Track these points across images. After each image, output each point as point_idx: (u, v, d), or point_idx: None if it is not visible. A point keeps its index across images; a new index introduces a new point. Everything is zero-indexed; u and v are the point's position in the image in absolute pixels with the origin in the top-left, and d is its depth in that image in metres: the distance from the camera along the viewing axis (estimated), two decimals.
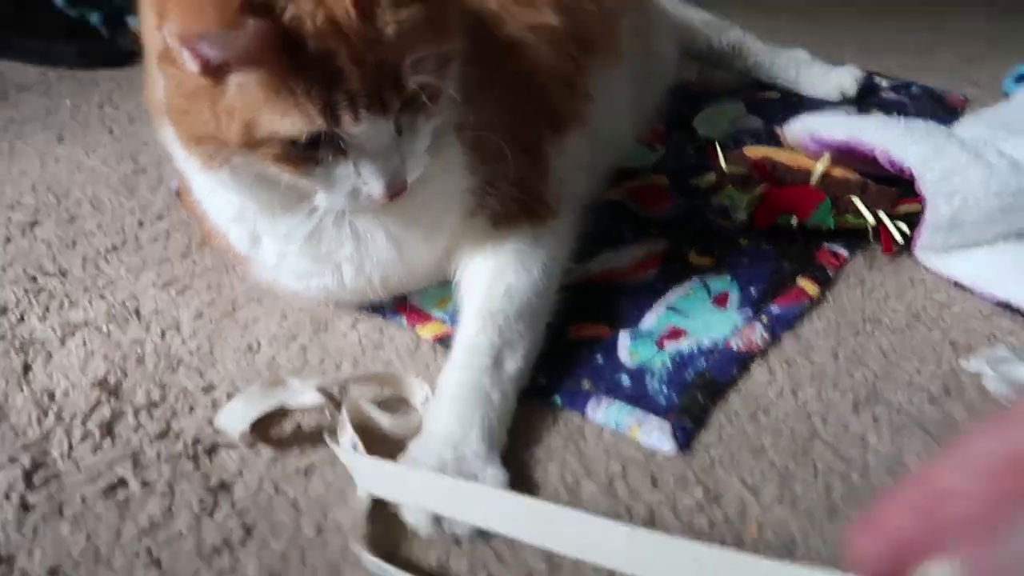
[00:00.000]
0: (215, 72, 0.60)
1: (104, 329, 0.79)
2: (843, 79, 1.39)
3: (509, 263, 0.80)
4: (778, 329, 0.85)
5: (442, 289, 0.87)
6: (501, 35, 0.88)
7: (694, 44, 1.38)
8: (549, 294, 0.81)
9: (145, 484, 0.63)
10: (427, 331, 0.82)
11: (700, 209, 1.06)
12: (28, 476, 0.63)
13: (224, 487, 0.64)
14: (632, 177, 1.13)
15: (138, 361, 0.75)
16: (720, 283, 0.92)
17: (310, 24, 0.59)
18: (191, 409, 0.70)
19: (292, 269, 0.78)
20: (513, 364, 0.73)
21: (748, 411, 0.75)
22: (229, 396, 0.72)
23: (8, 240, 0.91)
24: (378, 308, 0.84)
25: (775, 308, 0.87)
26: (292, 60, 0.59)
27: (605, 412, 0.73)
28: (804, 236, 0.99)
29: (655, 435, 0.70)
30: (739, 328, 0.84)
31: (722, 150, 1.07)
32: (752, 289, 0.90)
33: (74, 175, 1.03)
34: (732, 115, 1.34)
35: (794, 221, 0.98)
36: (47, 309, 0.81)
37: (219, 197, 0.76)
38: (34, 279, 0.85)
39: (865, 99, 1.42)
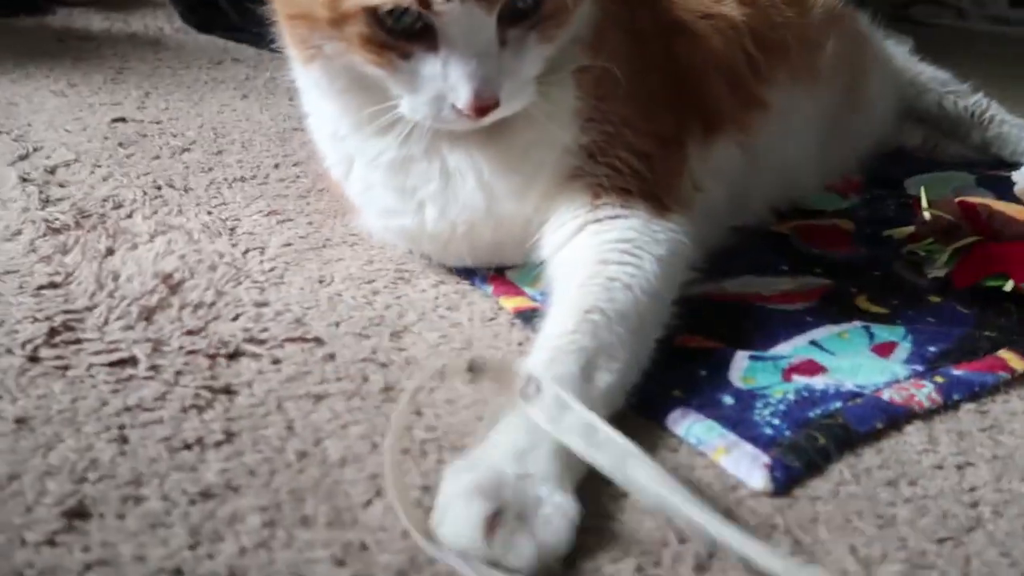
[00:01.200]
0: None
1: (195, 236, 0.77)
2: None
3: (614, 250, 0.66)
4: (955, 394, 0.65)
5: (541, 268, 0.77)
6: (665, 14, 0.79)
7: (920, 102, 1.19)
8: (662, 299, 0.65)
9: (153, 367, 0.58)
10: (511, 303, 0.71)
11: (886, 260, 0.87)
12: (52, 334, 0.60)
13: (228, 391, 0.57)
14: (809, 217, 0.96)
15: (210, 268, 0.72)
16: (888, 333, 0.73)
17: None
18: (236, 318, 0.65)
19: (376, 203, 0.71)
20: (606, 377, 0.57)
21: (886, 475, 0.56)
22: (278, 314, 0.66)
23: (156, 157, 0.94)
24: (470, 274, 0.76)
25: (957, 371, 0.67)
26: None
27: (688, 426, 0.57)
28: (1021, 307, 0.78)
29: (745, 464, 0.54)
30: (899, 381, 0.65)
31: (928, 200, 0.88)
32: (931, 348, 0.70)
33: (240, 123, 1.07)
34: (957, 183, 1.12)
35: (1009, 285, 0.77)
36: (155, 212, 0.81)
37: (320, 112, 0.72)
38: (159, 188, 0.86)
39: None
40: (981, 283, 0.78)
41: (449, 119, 0.60)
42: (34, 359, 0.58)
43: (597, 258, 0.66)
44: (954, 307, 0.78)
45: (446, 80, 0.58)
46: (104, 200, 0.81)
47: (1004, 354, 0.70)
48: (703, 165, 0.79)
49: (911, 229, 0.89)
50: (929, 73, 1.21)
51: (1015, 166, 1.20)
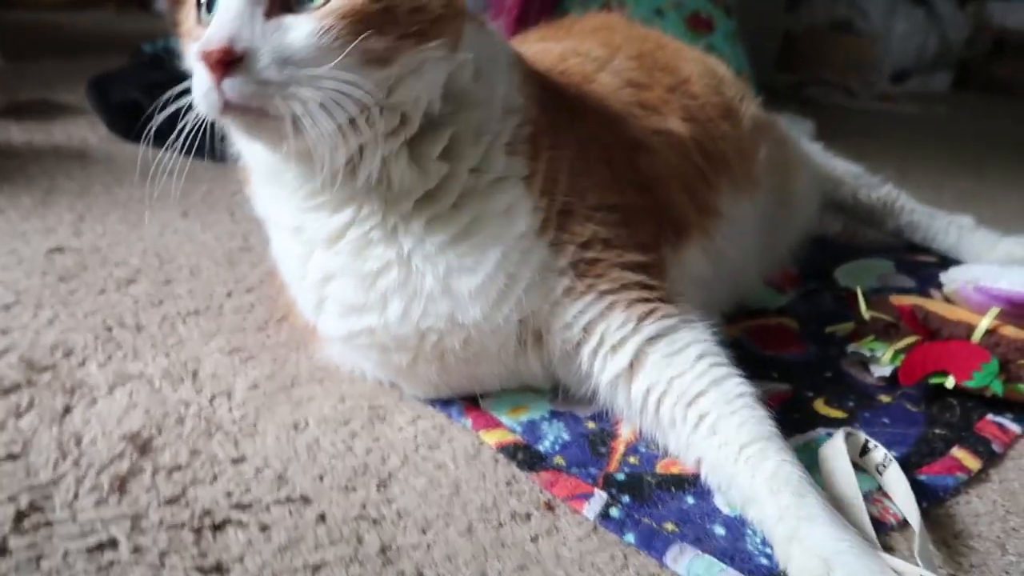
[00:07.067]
0: None
1: (156, 384, 0.74)
2: (1014, 249, 1.21)
3: (713, 365, 0.70)
4: (923, 502, 0.68)
5: (517, 396, 0.77)
6: (624, 133, 0.83)
7: (837, 194, 1.28)
8: None
9: (136, 550, 0.55)
10: (492, 437, 0.71)
11: (834, 358, 0.92)
12: (20, 518, 0.56)
13: (219, 569, 0.54)
14: (755, 316, 1.01)
15: (178, 421, 0.69)
16: None
17: None
18: (214, 479, 0.63)
19: (337, 298, 0.70)
20: None
21: None
22: (258, 471, 0.64)
23: (102, 292, 0.90)
24: (446, 406, 0.75)
25: (921, 477, 0.71)
26: None
27: (688, 564, 0.58)
28: (962, 402, 0.83)
29: None
30: (872, 493, 0.68)
31: (864, 297, 0.94)
32: (892, 453, 0.74)
33: (183, 245, 1.04)
34: (879, 271, 1.20)
35: (950, 382, 0.82)
36: (109, 358, 0.77)
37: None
38: (110, 329, 0.83)
39: None
40: (925, 380, 0.83)
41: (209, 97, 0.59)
42: (4, 551, 0.53)
43: (705, 381, 0.69)
44: (904, 407, 0.82)
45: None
46: (53, 347, 0.77)
47: (957, 453, 0.74)
48: (680, 272, 0.82)
49: (851, 326, 0.95)
50: (843, 168, 1.29)
51: (927, 250, 1.30)
